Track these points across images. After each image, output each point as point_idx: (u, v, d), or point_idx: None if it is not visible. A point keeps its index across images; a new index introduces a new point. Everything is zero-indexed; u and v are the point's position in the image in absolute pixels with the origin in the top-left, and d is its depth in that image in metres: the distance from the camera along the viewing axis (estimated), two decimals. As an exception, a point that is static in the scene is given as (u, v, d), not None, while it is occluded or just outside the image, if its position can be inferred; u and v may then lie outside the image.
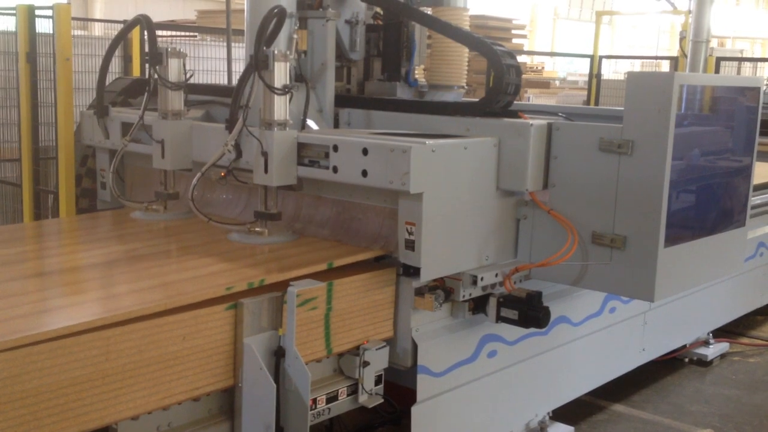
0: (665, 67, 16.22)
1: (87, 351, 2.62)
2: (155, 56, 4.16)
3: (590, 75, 13.23)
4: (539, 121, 3.73)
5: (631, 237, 3.52)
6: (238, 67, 7.43)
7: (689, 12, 12.10)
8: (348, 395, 3.42)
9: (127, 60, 7.06)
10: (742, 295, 6.18)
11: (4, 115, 6.79)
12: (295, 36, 3.98)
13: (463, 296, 3.63)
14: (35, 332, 2.52)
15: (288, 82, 3.70)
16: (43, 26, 5.84)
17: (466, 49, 4.60)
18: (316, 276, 3.30)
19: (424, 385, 3.58)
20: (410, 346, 3.58)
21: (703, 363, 5.82)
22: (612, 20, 30.19)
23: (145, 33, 4.48)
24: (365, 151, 3.47)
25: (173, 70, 4.17)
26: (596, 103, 12.73)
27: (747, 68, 14.28)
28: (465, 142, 3.62)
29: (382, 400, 3.52)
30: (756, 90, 4.11)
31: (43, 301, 2.95)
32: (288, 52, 3.74)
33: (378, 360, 3.44)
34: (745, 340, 6.43)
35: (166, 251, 3.71)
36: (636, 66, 18.34)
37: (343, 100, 4.37)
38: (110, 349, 2.67)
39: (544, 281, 3.86)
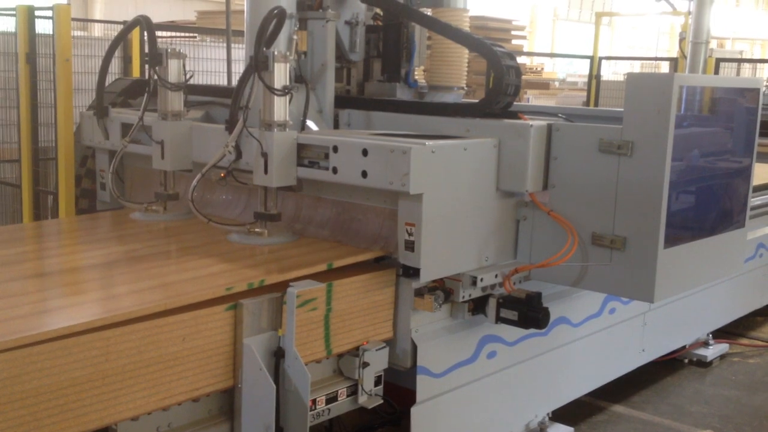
0: (665, 68, 16.21)
1: (87, 351, 2.61)
2: (155, 57, 4.16)
3: (590, 76, 13.23)
4: (539, 122, 3.73)
5: (631, 238, 3.52)
6: (238, 68, 7.44)
7: (689, 13, 12.13)
8: (348, 396, 3.42)
9: (126, 61, 7.07)
10: (742, 296, 6.18)
11: (3, 116, 6.79)
12: (295, 37, 3.98)
13: (463, 297, 3.63)
14: (35, 332, 2.52)
15: (288, 83, 3.70)
16: (43, 27, 5.84)
17: (466, 50, 4.61)
18: (315, 277, 3.30)
19: (423, 385, 3.58)
20: (410, 346, 3.58)
21: (702, 364, 5.82)
22: (612, 21, 30.20)
23: (145, 34, 4.48)
24: (365, 152, 3.47)
25: (173, 70, 4.17)
26: (596, 104, 12.73)
27: (746, 69, 14.29)
28: (465, 143, 3.62)
29: (382, 401, 3.52)
30: (755, 91, 4.12)
31: (43, 301, 2.95)
32: (288, 53, 3.74)
33: (378, 361, 3.44)
34: (744, 341, 6.43)
35: (166, 252, 3.71)
36: (635, 67, 18.36)
37: (342, 101, 4.37)
38: (110, 350, 2.67)
39: (543, 282, 3.86)
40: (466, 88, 4.77)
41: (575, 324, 4.43)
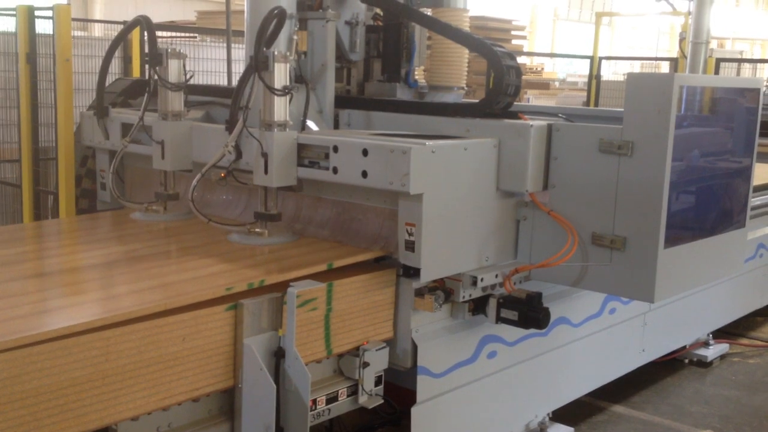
0: (665, 68, 16.21)
1: (87, 351, 2.61)
2: (155, 57, 4.16)
3: (590, 76, 13.23)
4: (539, 122, 3.73)
5: (631, 238, 3.52)
6: (238, 68, 7.44)
7: (689, 13, 12.12)
8: (348, 396, 3.42)
9: (126, 61, 7.07)
10: (742, 296, 6.18)
11: (4, 116, 6.80)
12: (295, 37, 3.98)
13: (463, 297, 3.63)
14: (35, 332, 2.52)
15: (288, 83, 3.70)
16: (43, 27, 5.85)
17: (466, 50, 4.61)
18: (316, 277, 3.30)
19: (423, 385, 3.58)
20: (410, 346, 3.58)
21: (702, 364, 5.82)
22: (612, 21, 30.19)
23: (145, 34, 4.48)
24: (365, 152, 3.47)
25: (173, 71, 4.17)
26: (596, 104, 12.74)
27: (746, 69, 14.29)
28: (465, 143, 3.62)
29: (382, 401, 3.52)
30: (756, 91, 4.12)
31: (43, 301, 2.95)
32: (288, 53, 3.74)
33: (378, 361, 3.44)
34: (744, 341, 6.43)
35: (166, 252, 3.71)
36: (636, 67, 18.34)
37: (343, 101, 4.37)
38: (110, 350, 2.67)
39: (544, 282, 3.86)
40: (466, 88, 4.77)
41: (575, 324, 4.43)
